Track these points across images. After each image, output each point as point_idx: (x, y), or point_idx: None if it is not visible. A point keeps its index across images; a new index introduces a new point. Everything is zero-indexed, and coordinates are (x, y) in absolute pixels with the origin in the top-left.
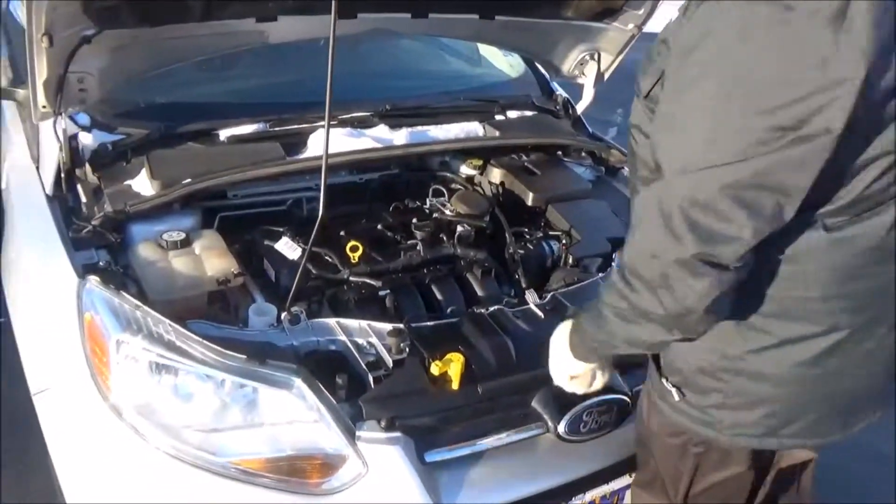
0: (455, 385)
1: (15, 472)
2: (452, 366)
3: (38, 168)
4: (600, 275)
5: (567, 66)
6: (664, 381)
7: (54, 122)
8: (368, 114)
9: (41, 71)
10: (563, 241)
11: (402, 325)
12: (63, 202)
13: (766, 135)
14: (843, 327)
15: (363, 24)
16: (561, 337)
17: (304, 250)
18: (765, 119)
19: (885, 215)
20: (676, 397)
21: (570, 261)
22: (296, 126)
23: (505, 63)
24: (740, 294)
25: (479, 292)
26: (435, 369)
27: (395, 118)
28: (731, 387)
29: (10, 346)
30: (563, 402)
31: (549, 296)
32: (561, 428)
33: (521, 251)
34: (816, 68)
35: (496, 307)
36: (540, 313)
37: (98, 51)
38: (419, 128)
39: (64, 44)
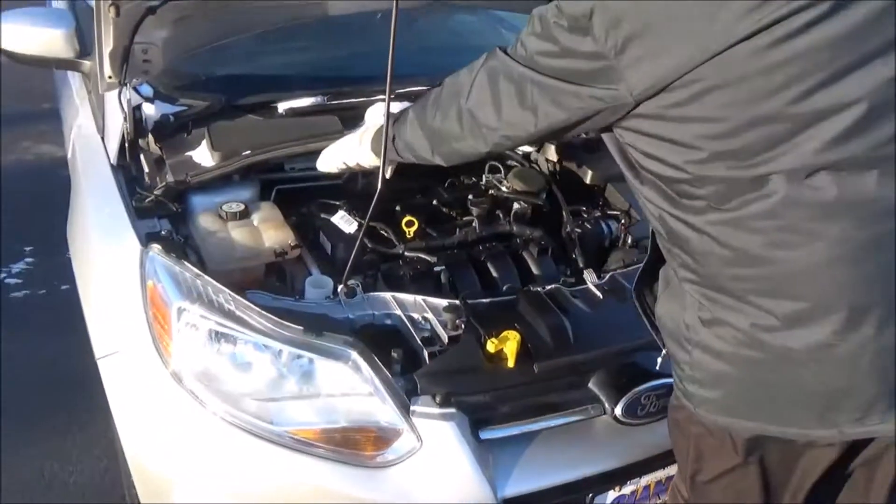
0: (511, 363)
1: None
2: (508, 344)
3: (102, 138)
4: None
5: None
6: (663, 349)
7: (119, 93)
8: (427, 88)
9: (108, 41)
10: (622, 221)
11: (458, 302)
12: (127, 172)
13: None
14: (766, 310)
15: None
16: (360, 134)
17: (360, 224)
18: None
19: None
20: (660, 361)
21: (629, 241)
22: (353, 100)
23: None
24: (680, 264)
25: (535, 271)
26: (491, 346)
27: None
28: (693, 359)
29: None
30: (621, 384)
31: (607, 276)
32: (618, 410)
33: (579, 230)
34: None
35: (553, 286)
36: (598, 293)
37: (162, 22)
38: None
39: (130, 14)
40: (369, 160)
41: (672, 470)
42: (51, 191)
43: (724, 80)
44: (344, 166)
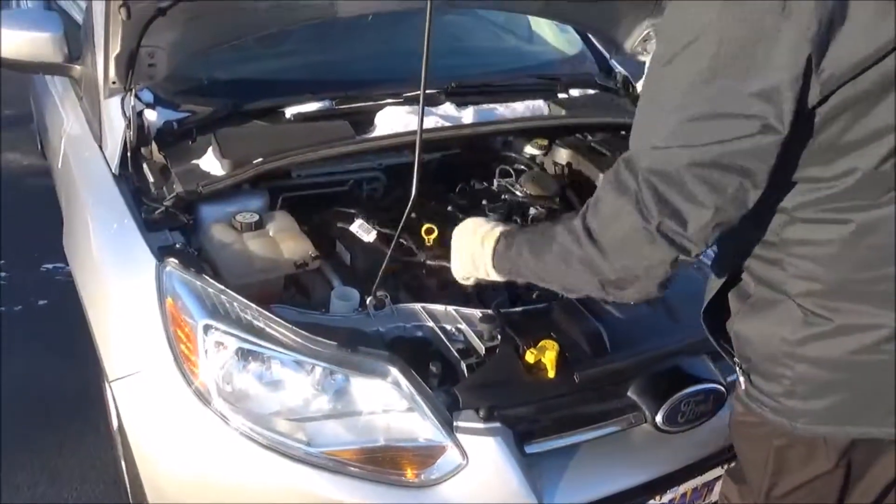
0: (551, 373)
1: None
2: (547, 353)
3: (100, 147)
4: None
5: (630, 42)
6: (737, 368)
7: (122, 99)
8: (435, 91)
9: (115, 45)
10: None
11: (492, 311)
12: (130, 182)
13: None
14: None
15: None
16: (482, 238)
17: (379, 232)
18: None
19: None
20: (743, 385)
21: None
22: (362, 104)
23: (561, 39)
24: (794, 274)
25: None
26: (530, 357)
27: (461, 96)
28: (796, 373)
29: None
30: (660, 391)
31: None
32: (659, 418)
33: None
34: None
35: None
36: None
37: (171, 23)
38: (485, 106)
39: (140, 16)
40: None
41: (708, 476)
42: (20, 201)
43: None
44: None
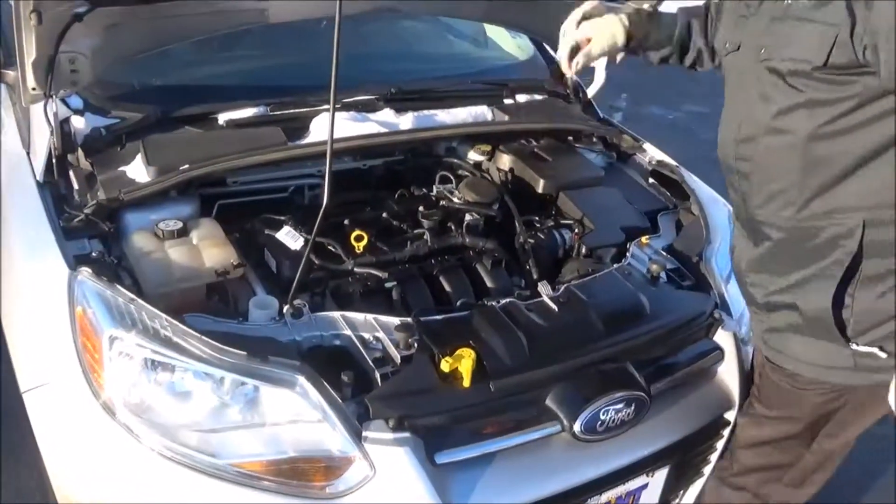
0: (466, 382)
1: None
2: (463, 362)
3: (28, 153)
4: (615, 266)
5: None
6: (853, 345)
7: (45, 105)
8: (373, 97)
9: (30, 50)
10: (576, 230)
11: (410, 320)
12: (55, 189)
13: None
14: None
15: (369, 3)
16: None
17: (306, 240)
18: None
19: None
20: (883, 355)
21: (584, 251)
22: (297, 110)
23: (513, 45)
24: None
25: (490, 284)
26: (445, 366)
27: (401, 102)
28: None
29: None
30: (579, 399)
31: (562, 287)
32: (577, 426)
33: (532, 240)
34: None
35: (508, 300)
36: (554, 306)
37: (90, 29)
38: (426, 112)
39: (54, 21)
40: None
41: (633, 484)
42: None
43: None
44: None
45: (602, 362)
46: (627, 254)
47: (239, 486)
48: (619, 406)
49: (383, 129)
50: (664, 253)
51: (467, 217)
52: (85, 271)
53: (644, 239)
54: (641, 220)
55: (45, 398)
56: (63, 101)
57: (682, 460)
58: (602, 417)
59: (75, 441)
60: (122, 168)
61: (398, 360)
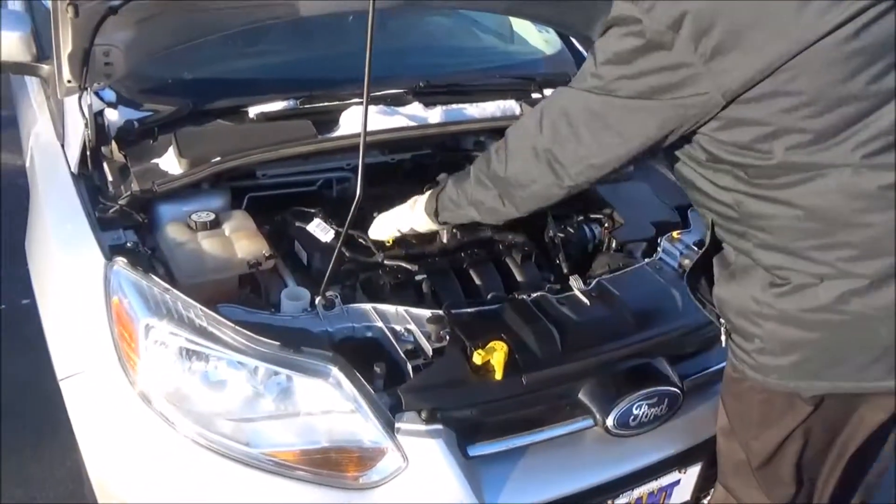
0: (498, 375)
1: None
2: (495, 355)
3: (62, 145)
4: (646, 260)
5: None
6: (722, 329)
7: (80, 98)
8: (402, 91)
9: (66, 43)
10: (606, 225)
11: (441, 312)
12: (89, 181)
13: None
14: (855, 275)
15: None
16: (411, 205)
17: (337, 232)
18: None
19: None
20: (724, 342)
21: (614, 245)
22: (327, 103)
23: (539, 39)
24: (760, 235)
25: (519, 278)
26: (477, 358)
27: (430, 96)
28: (765, 331)
29: (34, 329)
30: (611, 394)
31: (593, 282)
32: (609, 421)
33: (562, 235)
34: None
35: (539, 293)
36: (585, 300)
37: (125, 23)
38: (454, 106)
39: (90, 14)
40: (424, 224)
41: (665, 480)
42: (8, 201)
43: (812, 68)
44: (398, 233)
45: (635, 357)
46: (658, 248)
47: (272, 475)
48: (652, 401)
49: (412, 123)
50: (695, 248)
51: None
52: (120, 261)
53: (675, 233)
54: (671, 214)
55: (82, 386)
56: (97, 94)
57: (715, 457)
58: (635, 412)
59: (111, 428)
60: (154, 160)
61: (430, 353)
